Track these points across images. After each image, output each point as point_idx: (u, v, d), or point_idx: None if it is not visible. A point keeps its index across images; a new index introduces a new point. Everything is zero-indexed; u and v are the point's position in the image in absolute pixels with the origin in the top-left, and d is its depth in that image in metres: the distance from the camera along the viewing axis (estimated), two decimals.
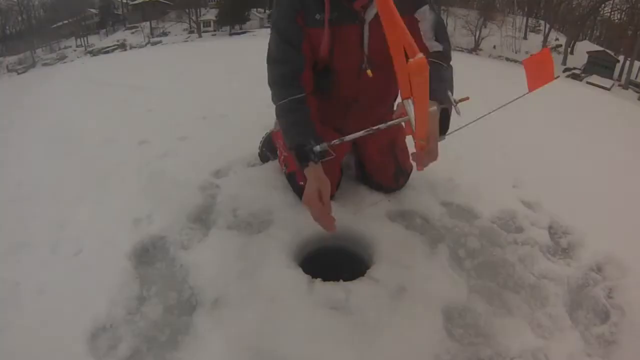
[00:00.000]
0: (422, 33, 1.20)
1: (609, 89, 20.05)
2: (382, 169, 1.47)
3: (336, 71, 1.26)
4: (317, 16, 1.15)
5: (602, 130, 4.09)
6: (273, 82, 1.24)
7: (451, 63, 1.26)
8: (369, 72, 1.21)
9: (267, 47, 1.27)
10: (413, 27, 1.18)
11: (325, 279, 1.15)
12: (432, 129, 1.03)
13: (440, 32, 1.22)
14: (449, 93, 1.15)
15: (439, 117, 1.10)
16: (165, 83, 4.22)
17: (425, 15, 1.19)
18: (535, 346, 1.03)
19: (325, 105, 1.32)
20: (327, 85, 1.28)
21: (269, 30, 1.27)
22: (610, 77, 22.93)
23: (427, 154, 1.05)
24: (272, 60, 1.23)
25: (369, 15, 1.18)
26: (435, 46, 1.21)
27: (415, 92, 0.73)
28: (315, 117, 1.22)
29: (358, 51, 1.22)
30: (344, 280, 1.15)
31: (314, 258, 1.33)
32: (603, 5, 27.63)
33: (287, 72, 1.20)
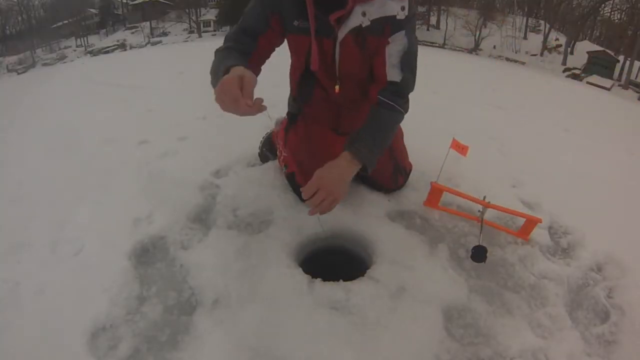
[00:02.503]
0: (386, 56, 1.14)
1: (609, 89, 20.04)
2: (381, 170, 1.46)
3: (316, 76, 1.27)
4: (295, 22, 1.14)
5: (602, 130, 4.08)
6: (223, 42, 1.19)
7: (410, 97, 1.21)
8: (336, 87, 1.24)
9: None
10: (382, 50, 1.15)
11: (325, 279, 1.15)
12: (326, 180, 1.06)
13: (406, 61, 1.15)
14: (374, 149, 1.12)
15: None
16: (165, 83, 4.22)
17: (396, 39, 1.13)
18: (535, 346, 1.03)
19: (317, 109, 1.33)
20: (311, 85, 1.30)
21: None
22: (610, 77, 22.91)
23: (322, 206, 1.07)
24: (226, 37, 1.21)
25: (341, 34, 1.15)
26: (394, 75, 1.15)
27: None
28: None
29: (332, 64, 1.22)
30: (344, 280, 1.15)
31: (314, 258, 1.33)
32: (603, 5, 27.63)
33: (237, 45, 1.17)
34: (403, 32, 1.13)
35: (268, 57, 1.23)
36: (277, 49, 1.28)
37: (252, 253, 1.23)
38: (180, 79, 4.62)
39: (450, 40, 28.58)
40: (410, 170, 1.54)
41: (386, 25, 1.12)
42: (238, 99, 0.88)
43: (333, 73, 1.23)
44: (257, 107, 0.90)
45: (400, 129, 1.52)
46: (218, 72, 1.02)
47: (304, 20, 1.11)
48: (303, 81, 1.31)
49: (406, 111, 1.22)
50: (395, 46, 1.14)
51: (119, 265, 1.19)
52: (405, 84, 1.17)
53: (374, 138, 1.13)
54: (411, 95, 1.26)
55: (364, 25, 1.11)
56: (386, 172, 1.46)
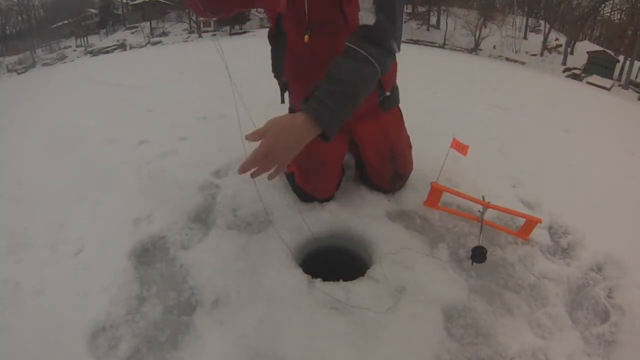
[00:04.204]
0: (359, 1, 0.96)
1: (609, 89, 20.02)
2: (380, 174, 1.46)
3: (288, 37, 1.22)
4: None
5: (602, 130, 4.08)
6: None
7: (393, 49, 1.01)
8: (305, 37, 1.12)
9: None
10: None
11: (325, 279, 1.15)
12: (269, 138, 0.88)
13: (381, 3, 0.95)
14: (334, 107, 0.90)
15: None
16: (165, 83, 4.22)
17: None
18: (535, 346, 1.03)
19: (295, 86, 1.32)
20: (281, 50, 1.26)
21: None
22: (610, 77, 22.89)
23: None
24: None
25: None
26: (366, 19, 0.96)
27: None
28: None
29: (303, 9, 1.11)
30: (344, 280, 1.15)
31: (314, 258, 1.33)
32: (603, 5, 27.62)
33: None
34: None
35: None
36: None
37: (252, 253, 1.23)
38: (180, 79, 4.62)
39: (450, 40, 28.56)
40: (409, 174, 1.53)
41: None
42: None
43: (303, 21, 1.12)
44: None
45: (409, 140, 1.49)
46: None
47: None
48: (274, 49, 1.28)
49: (381, 62, 0.97)
50: None
51: (119, 265, 1.19)
52: (379, 29, 0.96)
53: (333, 93, 0.91)
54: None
55: None
56: (385, 175, 1.46)
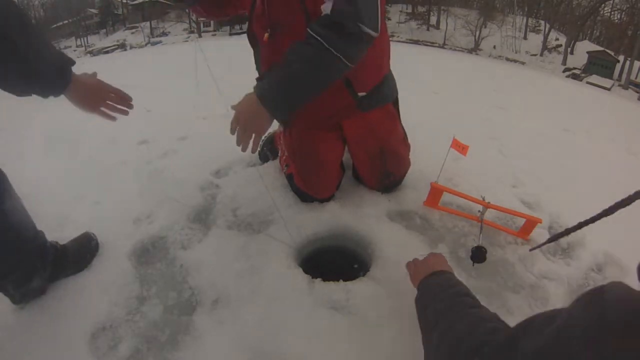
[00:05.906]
0: None
1: (609, 89, 20.04)
2: (370, 173, 1.45)
3: (257, 36, 1.23)
4: None
5: (602, 130, 4.08)
6: None
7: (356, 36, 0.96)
8: (265, 35, 1.12)
9: None
10: None
11: (325, 279, 1.15)
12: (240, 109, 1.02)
13: None
14: (276, 86, 0.98)
15: None
16: (165, 83, 4.22)
17: None
18: None
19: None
20: (257, 53, 1.29)
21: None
22: (610, 77, 22.93)
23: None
24: None
25: None
26: (326, 8, 0.95)
27: None
28: None
29: (265, 7, 1.12)
30: (344, 280, 1.15)
31: (314, 258, 1.33)
32: (603, 5, 27.63)
33: None
34: None
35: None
36: None
37: (252, 253, 1.23)
38: (180, 79, 4.62)
39: (450, 40, 28.59)
40: (402, 174, 1.51)
41: None
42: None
43: (266, 19, 1.14)
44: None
45: (405, 139, 1.47)
46: None
47: None
48: (253, 48, 1.31)
49: (341, 48, 0.95)
50: None
51: (119, 265, 1.19)
52: (337, 14, 0.94)
53: (279, 74, 0.98)
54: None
55: None
56: (375, 174, 1.44)
